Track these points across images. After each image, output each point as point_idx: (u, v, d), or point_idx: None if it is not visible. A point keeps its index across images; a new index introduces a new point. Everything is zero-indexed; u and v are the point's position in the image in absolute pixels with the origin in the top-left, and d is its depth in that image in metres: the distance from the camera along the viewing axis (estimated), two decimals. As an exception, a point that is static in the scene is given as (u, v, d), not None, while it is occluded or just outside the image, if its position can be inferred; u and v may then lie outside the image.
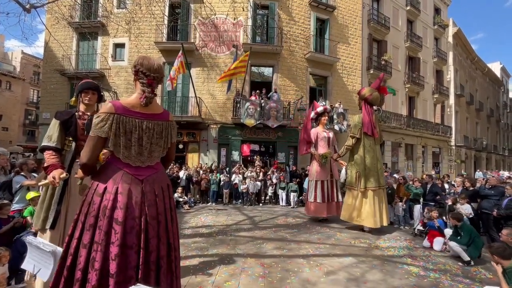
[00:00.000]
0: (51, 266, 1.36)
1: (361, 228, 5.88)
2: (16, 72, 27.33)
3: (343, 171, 7.05)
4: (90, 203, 1.52)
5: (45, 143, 2.21)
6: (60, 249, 1.39)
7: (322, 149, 6.92)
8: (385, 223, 5.78)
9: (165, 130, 1.73)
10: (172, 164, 9.22)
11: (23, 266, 1.50)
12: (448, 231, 4.86)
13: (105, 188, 1.52)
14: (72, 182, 2.23)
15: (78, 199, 1.93)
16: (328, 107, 7.42)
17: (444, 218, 5.53)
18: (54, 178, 1.92)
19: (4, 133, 25.75)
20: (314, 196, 6.73)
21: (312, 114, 7.33)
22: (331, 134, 7.16)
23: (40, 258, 1.40)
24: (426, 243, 5.04)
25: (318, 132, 7.05)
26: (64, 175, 1.98)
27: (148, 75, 1.64)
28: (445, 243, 4.78)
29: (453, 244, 4.40)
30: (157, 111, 1.72)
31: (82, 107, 2.40)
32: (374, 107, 6.21)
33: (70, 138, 2.30)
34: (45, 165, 2.12)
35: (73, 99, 2.47)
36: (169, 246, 1.65)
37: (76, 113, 2.35)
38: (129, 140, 1.57)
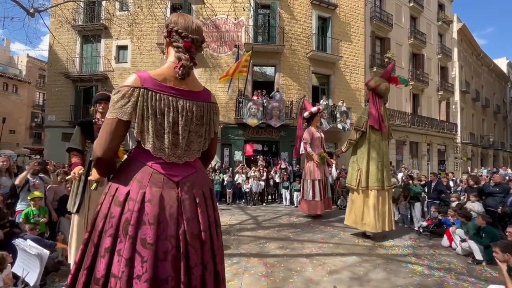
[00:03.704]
0: (37, 269, 1.31)
1: (363, 233, 5.32)
2: (22, 76, 27.72)
3: (334, 168, 7.15)
4: (106, 217, 1.08)
5: (69, 145, 2.77)
6: (46, 252, 1.36)
7: (316, 149, 7.11)
8: (387, 228, 5.07)
9: (207, 114, 1.28)
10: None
11: (13, 270, 1.46)
12: (456, 230, 4.76)
13: (127, 194, 1.08)
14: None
15: (97, 191, 2.24)
16: (320, 107, 7.64)
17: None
18: (74, 173, 2.50)
19: (11, 135, 26.10)
20: (312, 195, 6.87)
21: (306, 114, 7.42)
22: (322, 134, 7.40)
23: (28, 261, 1.37)
24: (445, 242, 4.89)
25: (313, 132, 7.19)
26: (81, 171, 2.55)
27: (185, 36, 1.20)
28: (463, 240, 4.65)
29: (471, 241, 4.29)
30: (196, 88, 1.27)
31: (98, 115, 2.89)
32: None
33: (89, 141, 2.80)
34: (71, 163, 2.79)
35: (92, 108, 2.98)
36: (217, 276, 1.20)
37: (94, 120, 2.87)
38: (161, 125, 1.14)
